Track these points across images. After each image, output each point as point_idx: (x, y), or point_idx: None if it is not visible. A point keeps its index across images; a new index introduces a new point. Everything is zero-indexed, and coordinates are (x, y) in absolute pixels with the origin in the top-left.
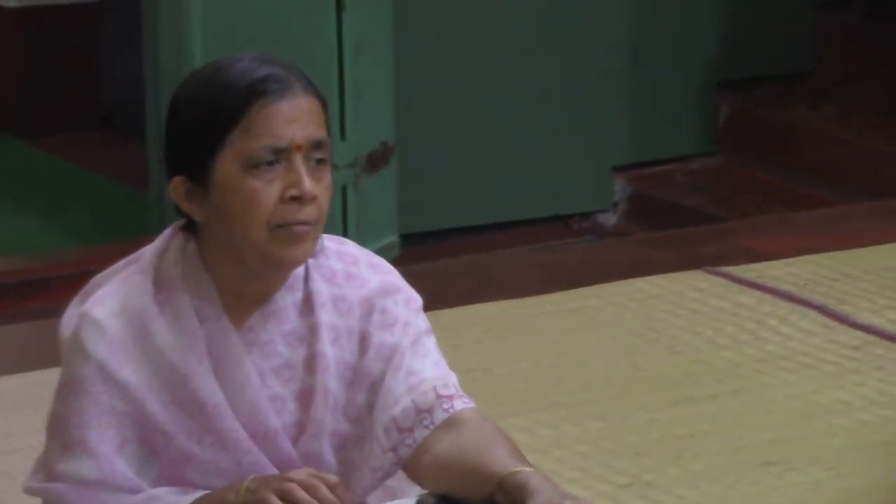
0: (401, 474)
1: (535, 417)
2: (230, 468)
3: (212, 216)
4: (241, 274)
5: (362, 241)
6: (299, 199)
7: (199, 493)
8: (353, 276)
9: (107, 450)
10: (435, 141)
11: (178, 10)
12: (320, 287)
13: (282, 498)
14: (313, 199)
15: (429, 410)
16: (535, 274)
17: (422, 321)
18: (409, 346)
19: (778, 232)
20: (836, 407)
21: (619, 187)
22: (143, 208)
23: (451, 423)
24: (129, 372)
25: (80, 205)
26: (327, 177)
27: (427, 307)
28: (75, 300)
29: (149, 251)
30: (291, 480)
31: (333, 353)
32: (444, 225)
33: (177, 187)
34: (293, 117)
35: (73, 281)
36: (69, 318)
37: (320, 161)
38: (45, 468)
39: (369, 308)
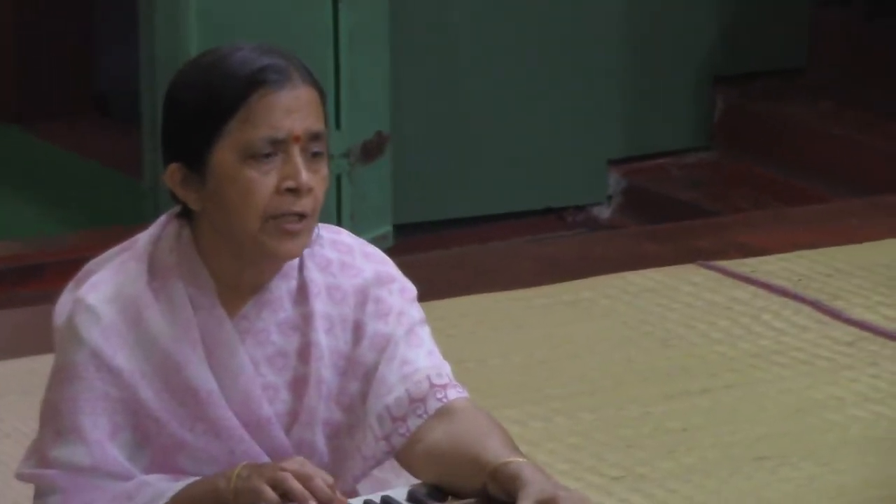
0: (387, 465)
1: (527, 409)
2: (223, 456)
3: (207, 204)
4: (236, 262)
5: (356, 231)
6: (295, 191)
7: (190, 480)
8: (347, 265)
9: (99, 436)
10: (430, 131)
11: None
12: (315, 276)
13: (274, 487)
14: (309, 190)
15: (422, 400)
16: (529, 266)
17: (416, 311)
18: (402, 336)
19: (772, 227)
20: (830, 402)
21: (614, 181)
22: (138, 196)
23: (445, 412)
24: (122, 358)
25: (75, 192)
26: (324, 168)
27: (421, 297)
28: (69, 286)
29: (143, 238)
30: (284, 469)
31: (327, 342)
32: (439, 216)
33: (173, 174)
34: (292, 108)
35: (67, 267)
36: (63, 305)
37: (317, 153)
38: (38, 454)
39: (363, 297)
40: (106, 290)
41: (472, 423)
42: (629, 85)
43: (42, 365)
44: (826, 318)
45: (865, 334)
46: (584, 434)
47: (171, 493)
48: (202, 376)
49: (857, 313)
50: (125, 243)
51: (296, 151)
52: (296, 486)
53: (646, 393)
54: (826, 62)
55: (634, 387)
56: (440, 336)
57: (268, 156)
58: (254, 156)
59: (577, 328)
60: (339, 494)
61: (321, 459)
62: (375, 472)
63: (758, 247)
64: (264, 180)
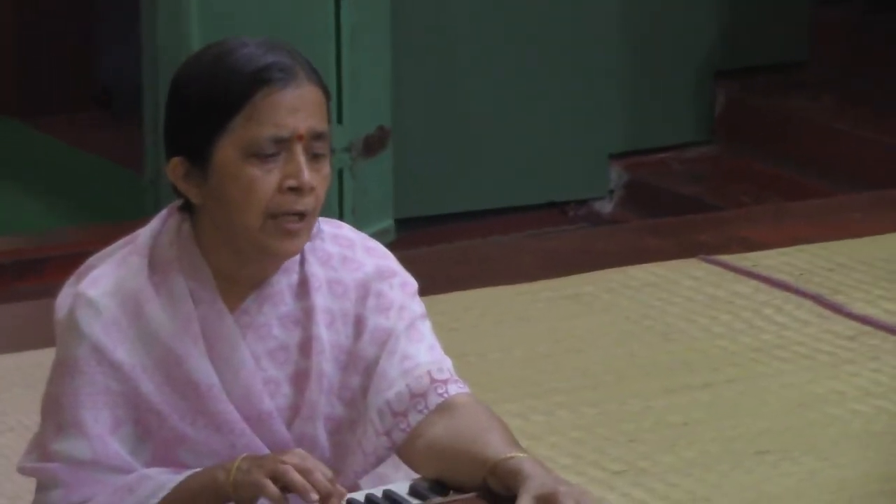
0: (388, 460)
1: (529, 403)
2: (224, 450)
3: (208, 199)
4: (236, 258)
5: (358, 225)
6: (297, 190)
7: (190, 472)
8: (348, 259)
9: (101, 430)
10: (432, 126)
11: None
12: (316, 270)
13: (274, 480)
14: (311, 190)
15: (423, 395)
16: (531, 260)
17: (417, 305)
18: (403, 331)
19: (773, 221)
20: (831, 397)
21: (616, 175)
22: (139, 190)
23: (446, 407)
24: (123, 352)
25: (76, 186)
26: (325, 167)
27: (422, 292)
28: (70, 281)
29: (144, 232)
30: (285, 462)
31: (328, 336)
32: (440, 210)
33: (175, 168)
34: (296, 107)
35: (68, 262)
36: (64, 299)
37: (320, 152)
38: (39, 448)
39: (365, 292)
40: (107, 284)
41: (472, 418)
42: (630, 79)
43: (44, 359)
44: (827, 313)
45: (867, 329)
46: (586, 428)
47: (171, 486)
48: (203, 370)
49: (859, 308)
50: (127, 238)
51: (299, 150)
52: (297, 478)
53: (647, 387)
54: (827, 57)
55: (636, 381)
56: (441, 330)
57: (271, 155)
58: (257, 154)
59: (578, 322)
60: (339, 488)
61: (322, 454)
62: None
63: (759, 241)
64: (266, 178)
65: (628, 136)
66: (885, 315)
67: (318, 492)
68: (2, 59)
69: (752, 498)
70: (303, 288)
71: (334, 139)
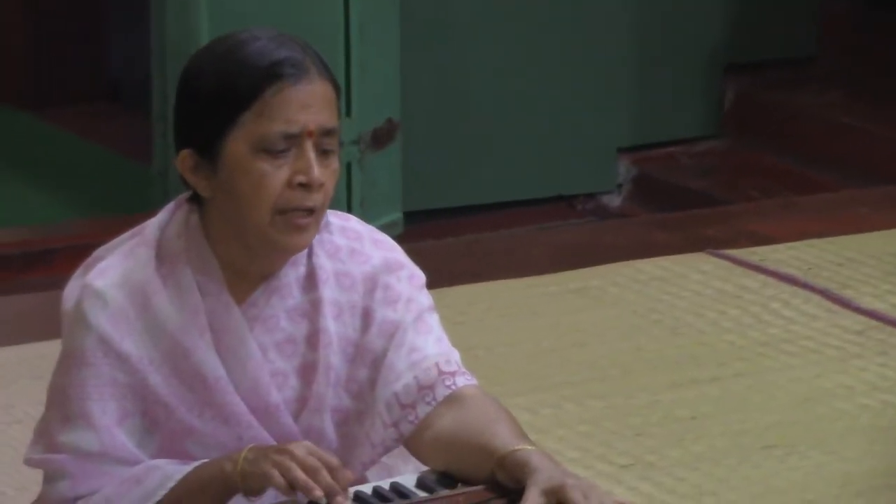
0: (396, 452)
1: (537, 397)
2: (231, 442)
3: (217, 192)
4: (244, 251)
5: (366, 218)
6: (307, 186)
7: (198, 463)
8: (356, 252)
9: (108, 422)
10: (440, 119)
11: None
12: (324, 263)
13: (280, 474)
14: (321, 186)
15: (431, 387)
16: (539, 254)
17: (425, 298)
18: (411, 323)
19: (782, 216)
20: (839, 391)
21: (624, 169)
22: (147, 182)
23: (453, 399)
24: (130, 344)
25: (84, 177)
26: (335, 162)
27: (430, 285)
28: (78, 272)
29: (151, 224)
30: (292, 455)
31: (336, 328)
32: (448, 203)
33: (184, 160)
34: (307, 103)
35: (76, 253)
36: (71, 290)
37: (329, 148)
38: (46, 439)
39: (372, 284)
40: (114, 275)
41: (480, 410)
42: (639, 73)
43: (51, 350)
44: (835, 307)
45: (875, 323)
46: (593, 422)
47: (178, 477)
48: (210, 362)
49: (867, 302)
50: (134, 229)
51: (309, 146)
52: (300, 476)
53: (655, 381)
54: (837, 51)
55: (643, 375)
56: (449, 323)
57: (281, 151)
58: (267, 150)
59: (586, 316)
60: (346, 481)
61: (330, 446)
62: (384, 458)
63: (767, 235)
64: (276, 174)
65: (637, 130)
66: (893, 310)
67: (323, 489)
68: (11, 50)
69: (760, 492)
70: (310, 280)
71: (343, 132)
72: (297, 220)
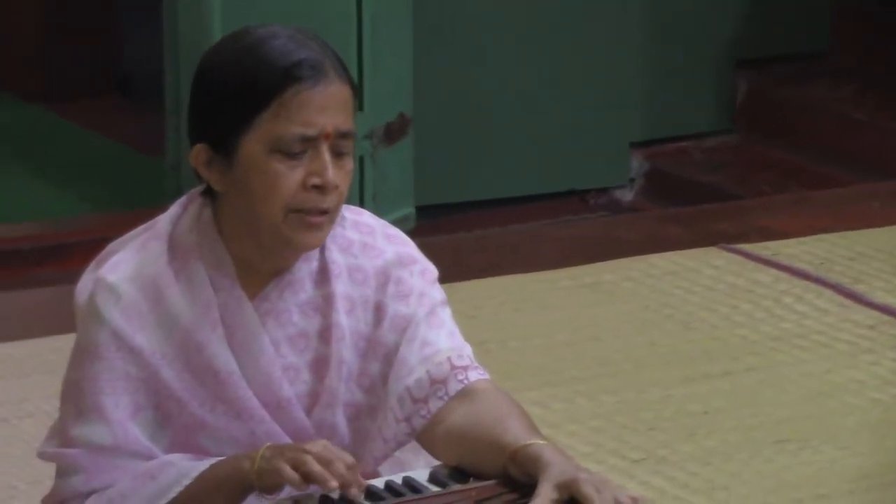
0: (408, 446)
1: (549, 391)
2: (244, 437)
3: (230, 188)
4: (255, 248)
5: (378, 212)
6: (321, 188)
7: (213, 460)
8: (369, 246)
9: (121, 416)
10: (452, 113)
11: None
12: (336, 257)
13: (295, 468)
14: (335, 188)
15: (443, 381)
16: (551, 248)
17: (437, 292)
18: (423, 317)
19: (794, 210)
20: (851, 386)
21: (636, 163)
22: (159, 176)
23: (466, 394)
24: (143, 338)
25: (97, 172)
26: (349, 164)
27: (442, 279)
28: (90, 267)
29: (164, 218)
30: (307, 452)
31: (348, 323)
32: (461, 198)
33: (198, 154)
34: (325, 105)
35: (88, 248)
36: (84, 285)
37: (345, 150)
38: (60, 433)
39: (385, 279)
40: (126, 269)
41: (492, 404)
42: (652, 68)
43: (64, 344)
44: (847, 302)
45: (886, 318)
46: (606, 416)
47: (194, 474)
48: (223, 357)
49: (879, 297)
50: (147, 223)
51: (324, 149)
52: (316, 468)
53: (667, 376)
54: (848, 46)
55: (656, 369)
56: (461, 318)
57: (297, 153)
58: (283, 151)
59: (598, 311)
60: (359, 478)
61: (342, 441)
62: (396, 453)
63: (779, 230)
64: (291, 175)
65: (649, 125)
66: None
67: (338, 481)
68: (23, 44)
69: (772, 486)
70: (323, 275)
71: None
72: (311, 218)
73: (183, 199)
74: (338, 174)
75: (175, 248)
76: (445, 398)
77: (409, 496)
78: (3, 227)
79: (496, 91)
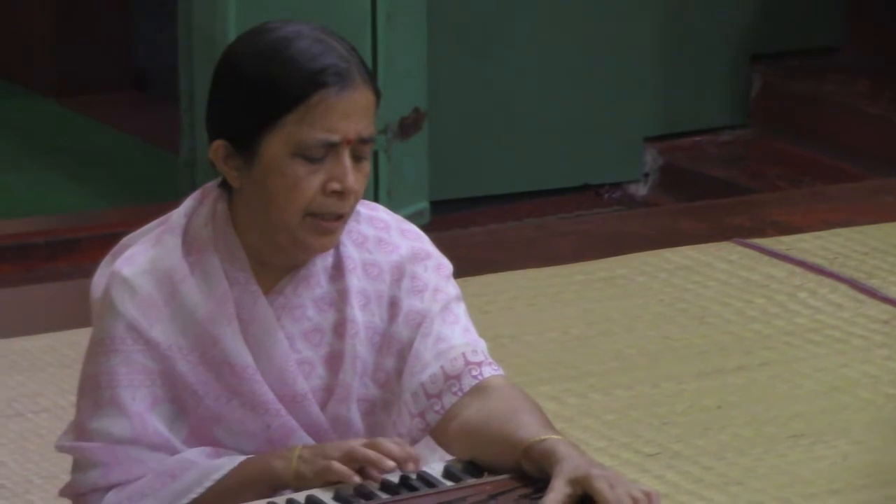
0: (422, 441)
1: (563, 386)
2: (259, 430)
3: (248, 185)
4: (269, 245)
5: (393, 207)
6: (340, 193)
7: (234, 457)
8: (383, 241)
9: (139, 408)
10: (467, 108)
11: None
12: (351, 252)
13: (346, 460)
14: (353, 192)
15: (457, 377)
16: (565, 243)
17: (452, 287)
18: (438, 313)
19: (808, 205)
20: (865, 381)
21: (651, 158)
22: (174, 170)
23: (480, 389)
24: (159, 331)
25: (111, 166)
26: (366, 167)
27: (457, 274)
28: (105, 260)
29: (178, 212)
30: (351, 443)
31: (363, 318)
32: (475, 192)
33: (216, 150)
34: (349, 112)
35: (103, 242)
36: (99, 279)
37: (364, 155)
38: (77, 427)
39: (399, 274)
40: (141, 263)
41: (506, 400)
42: (666, 62)
43: (79, 339)
44: (862, 297)
45: None
46: (619, 411)
47: (216, 476)
48: (238, 351)
49: (893, 292)
50: (161, 218)
51: (346, 154)
52: (370, 452)
53: (681, 370)
54: (862, 41)
55: (670, 364)
56: (476, 312)
57: (318, 158)
58: (304, 155)
59: (612, 305)
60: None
61: (357, 436)
62: None
63: (794, 225)
64: (310, 179)
65: (663, 120)
66: None
67: (394, 457)
68: (38, 39)
69: (786, 481)
70: (338, 270)
71: None
72: (327, 223)
73: (197, 193)
74: (356, 178)
75: (190, 242)
76: (459, 394)
77: (424, 490)
78: (18, 221)
79: (510, 85)
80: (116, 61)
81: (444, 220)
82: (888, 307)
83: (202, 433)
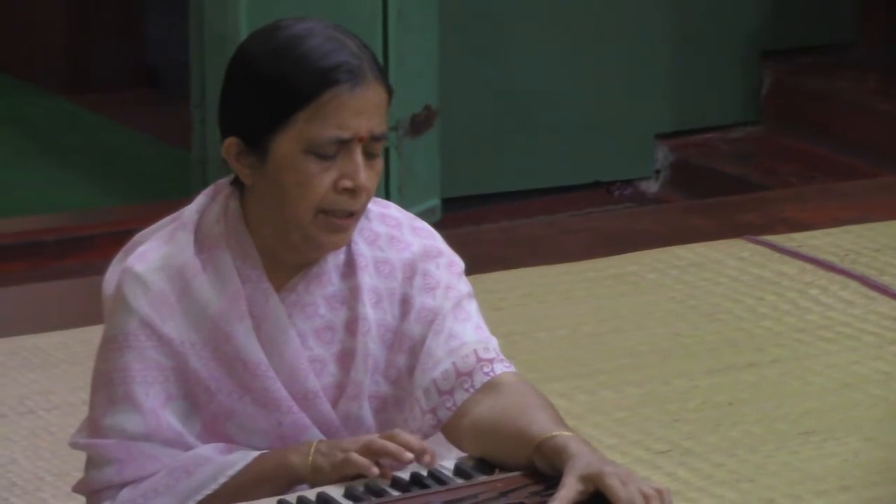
0: (433, 438)
1: (574, 383)
2: (271, 428)
3: (260, 183)
4: (281, 243)
5: (404, 205)
6: (352, 191)
7: (248, 453)
8: (395, 239)
9: (153, 403)
10: (478, 105)
11: None
12: (363, 250)
13: (366, 454)
14: (365, 190)
15: (469, 374)
16: (577, 240)
17: (463, 285)
18: (450, 310)
19: (820, 202)
20: (876, 377)
21: (662, 154)
22: (185, 168)
23: (491, 386)
24: (171, 327)
25: (122, 163)
26: (379, 164)
27: (468, 271)
28: (117, 257)
29: (190, 209)
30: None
31: (375, 315)
32: (486, 189)
33: (229, 147)
34: (361, 109)
35: (114, 239)
36: (111, 275)
37: (376, 152)
38: (91, 424)
39: (411, 271)
40: (154, 259)
41: (518, 397)
42: (677, 59)
43: (91, 336)
44: (873, 293)
45: None
46: (631, 408)
47: (231, 472)
48: (250, 348)
49: None
50: (173, 215)
51: (358, 152)
52: (390, 445)
53: (692, 367)
54: (875, 37)
55: (681, 361)
56: (487, 309)
57: (330, 155)
58: (316, 152)
59: (623, 302)
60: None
61: (368, 433)
62: None
63: (805, 221)
64: (322, 176)
65: (674, 116)
66: None
67: (412, 449)
68: (51, 37)
69: (797, 478)
70: (349, 267)
71: None
72: (338, 221)
73: (209, 190)
74: (369, 175)
75: (202, 239)
76: (471, 390)
77: (435, 488)
78: (29, 218)
79: (521, 83)
80: (128, 59)
81: (456, 217)
82: None
83: (215, 429)
